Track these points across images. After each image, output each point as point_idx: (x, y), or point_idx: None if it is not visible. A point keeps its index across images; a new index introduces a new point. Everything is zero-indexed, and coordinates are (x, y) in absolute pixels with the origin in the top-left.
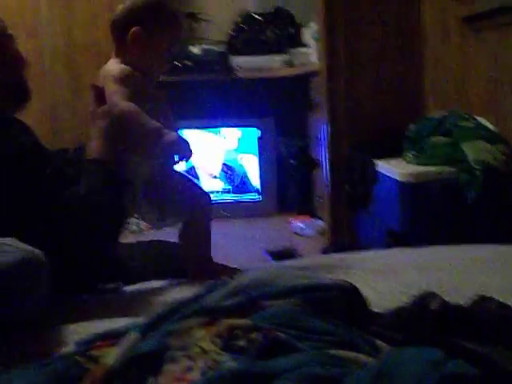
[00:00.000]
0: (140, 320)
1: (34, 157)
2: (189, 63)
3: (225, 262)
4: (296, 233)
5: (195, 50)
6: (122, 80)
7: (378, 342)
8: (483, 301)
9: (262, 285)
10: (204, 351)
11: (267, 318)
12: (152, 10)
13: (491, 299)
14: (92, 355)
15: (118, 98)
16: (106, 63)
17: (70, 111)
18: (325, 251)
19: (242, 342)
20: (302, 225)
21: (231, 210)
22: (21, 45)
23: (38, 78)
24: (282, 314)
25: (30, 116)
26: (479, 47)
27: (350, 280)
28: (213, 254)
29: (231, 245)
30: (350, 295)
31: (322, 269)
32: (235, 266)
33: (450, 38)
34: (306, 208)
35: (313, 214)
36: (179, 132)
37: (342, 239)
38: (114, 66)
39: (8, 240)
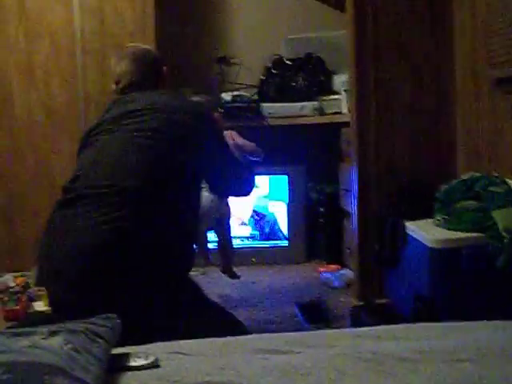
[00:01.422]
0: None
1: None
2: (220, 110)
3: (254, 313)
4: (325, 283)
5: (227, 97)
6: None
7: None
8: None
9: None
10: None
11: None
12: None
13: None
14: None
15: None
16: None
17: None
18: (353, 312)
19: None
20: (330, 276)
21: (259, 257)
22: (56, 91)
23: (72, 122)
24: None
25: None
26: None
27: (380, 371)
28: (240, 302)
29: (259, 295)
30: None
31: (353, 352)
32: None
33: (481, 99)
34: (335, 257)
35: (342, 264)
36: None
37: (371, 295)
38: None
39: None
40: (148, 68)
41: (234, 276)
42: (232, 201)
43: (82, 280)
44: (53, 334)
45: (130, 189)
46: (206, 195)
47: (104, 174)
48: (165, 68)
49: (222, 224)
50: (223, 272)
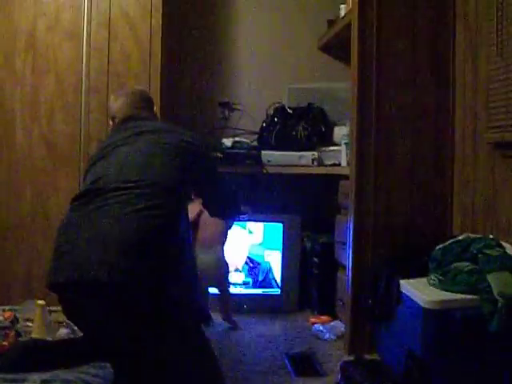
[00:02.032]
0: None
1: None
2: (219, 155)
3: (244, 363)
4: (316, 335)
5: (227, 142)
6: None
7: None
8: None
9: None
10: None
11: None
12: None
13: None
14: None
15: None
16: None
17: None
18: (343, 366)
19: None
20: (322, 328)
21: (252, 304)
22: (58, 127)
23: (72, 159)
24: None
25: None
26: (509, 173)
27: None
28: (230, 349)
29: (251, 344)
30: None
31: None
32: None
33: (479, 161)
34: (327, 308)
35: (334, 316)
36: None
37: (362, 349)
38: None
39: None
40: (142, 105)
41: (232, 323)
42: (227, 249)
43: (122, 264)
44: (45, 383)
45: (159, 183)
46: (208, 257)
47: (132, 173)
48: (155, 108)
49: (222, 280)
50: (223, 319)
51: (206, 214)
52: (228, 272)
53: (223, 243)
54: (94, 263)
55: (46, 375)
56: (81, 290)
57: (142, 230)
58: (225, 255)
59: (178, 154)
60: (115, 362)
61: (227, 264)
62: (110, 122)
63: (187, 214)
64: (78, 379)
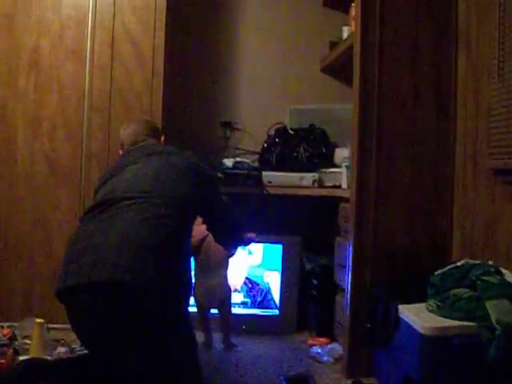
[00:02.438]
0: None
1: None
2: (220, 175)
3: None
4: (314, 357)
5: (228, 162)
6: None
7: None
8: None
9: None
10: None
11: None
12: None
13: None
14: None
15: None
16: None
17: None
18: None
19: None
20: (320, 350)
21: (250, 324)
22: (60, 144)
23: (72, 176)
24: None
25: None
26: (509, 200)
27: None
28: (227, 370)
29: (248, 365)
30: None
31: None
32: None
33: (479, 187)
34: (325, 330)
35: (332, 338)
36: None
37: (359, 373)
38: None
39: None
40: (150, 132)
41: (231, 346)
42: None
43: (136, 261)
44: None
45: (169, 196)
46: (212, 281)
47: (143, 185)
48: (163, 137)
49: (224, 304)
50: (222, 342)
51: (209, 238)
52: (231, 296)
53: (226, 268)
54: (107, 265)
55: None
56: (90, 293)
57: (154, 237)
58: (228, 279)
59: (185, 172)
60: (112, 378)
61: (230, 288)
62: (120, 151)
63: (190, 234)
64: None
